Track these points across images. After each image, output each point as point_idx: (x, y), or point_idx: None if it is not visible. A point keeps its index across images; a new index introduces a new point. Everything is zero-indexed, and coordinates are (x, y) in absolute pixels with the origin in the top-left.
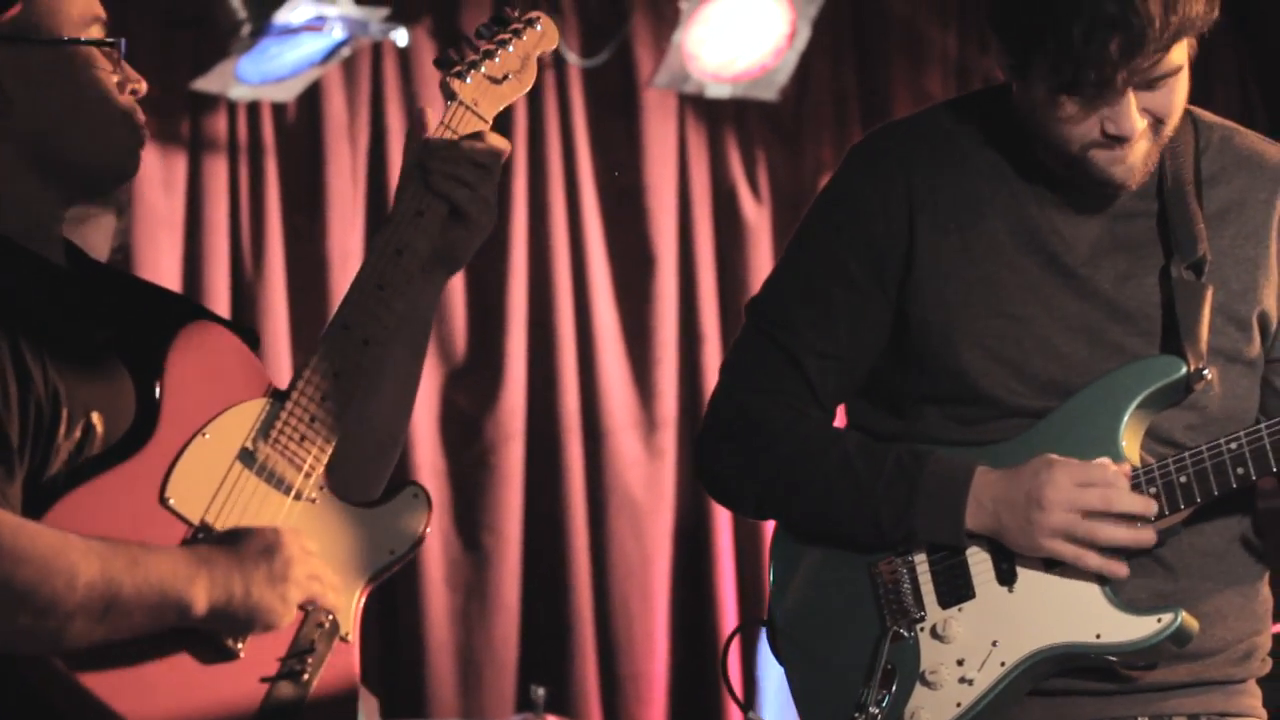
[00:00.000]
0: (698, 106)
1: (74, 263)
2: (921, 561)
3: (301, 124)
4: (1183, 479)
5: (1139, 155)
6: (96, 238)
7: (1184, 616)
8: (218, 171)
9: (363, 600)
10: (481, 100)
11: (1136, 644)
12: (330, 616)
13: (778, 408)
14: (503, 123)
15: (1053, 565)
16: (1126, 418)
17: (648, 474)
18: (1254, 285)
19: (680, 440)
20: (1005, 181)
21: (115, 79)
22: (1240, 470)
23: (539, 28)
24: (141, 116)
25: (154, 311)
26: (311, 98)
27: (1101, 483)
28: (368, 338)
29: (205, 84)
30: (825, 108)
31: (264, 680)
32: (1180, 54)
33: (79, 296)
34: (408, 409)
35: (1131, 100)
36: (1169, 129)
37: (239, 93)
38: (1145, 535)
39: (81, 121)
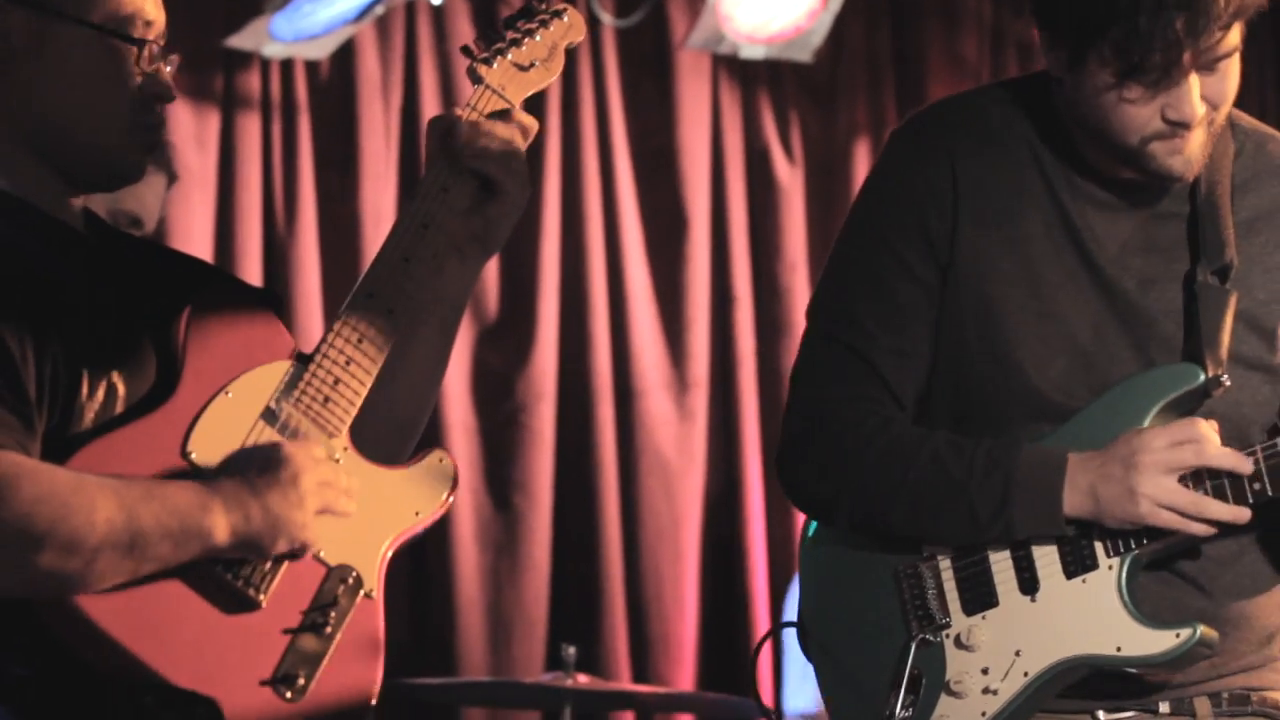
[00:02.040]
0: (732, 68)
1: (93, 230)
2: (946, 567)
3: (335, 82)
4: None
5: (1196, 145)
6: (149, 198)
7: (1202, 630)
8: (251, 129)
9: (388, 558)
10: (508, 85)
11: (1155, 658)
12: (354, 573)
13: (858, 413)
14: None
15: (1074, 574)
16: (1147, 423)
17: (679, 435)
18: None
19: (711, 402)
20: (1045, 174)
21: (137, 81)
22: None
23: (566, 19)
24: (159, 121)
25: (175, 275)
26: (345, 56)
27: (1194, 438)
28: (392, 308)
29: (239, 41)
30: (859, 70)
31: (286, 632)
32: (1236, 35)
33: (99, 261)
34: (435, 386)
35: (1195, 83)
36: (1222, 117)
37: (272, 50)
38: (1240, 512)
39: (79, 113)
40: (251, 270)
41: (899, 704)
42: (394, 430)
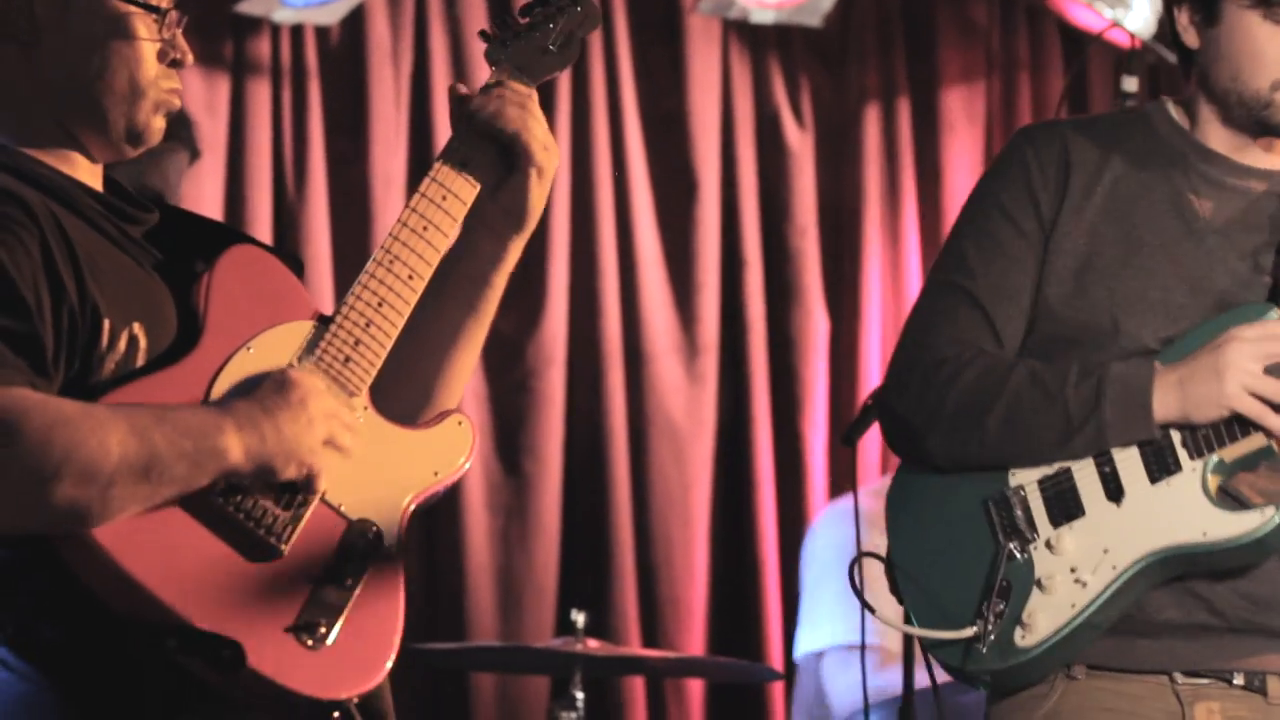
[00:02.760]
0: (741, 32)
1: (112, 190)
2: (1033, 489)
3: (344, 48)
4: None
5: None
6: (170, 173)
7: None
8: (260, 95)
9: (408, 516)
10: (525, 70)
11: (1243, 537)
12: (375, 527)
13: (962, 345)
14: None
15: (1158, 478)
16: None
17: (689, 399)
18: None
19: (721, 366)
20: (1159, 163)
21: (156, 47)
22: None
23: (581, 9)
24: (176, 87)
25: (198, 236)
26: (355, 21)
27: (1277, 336)
28: (412, 273)
29: (248, 7)
30: (870, 34)
31: (308, 581)
32: None
33: (121, 219)
34: (466, 365)
35: None
36: None
37: (282, 16)
38: None
39: (101, 82)
40: (262, 235)
41: (991, 605)
42: (422, 401)
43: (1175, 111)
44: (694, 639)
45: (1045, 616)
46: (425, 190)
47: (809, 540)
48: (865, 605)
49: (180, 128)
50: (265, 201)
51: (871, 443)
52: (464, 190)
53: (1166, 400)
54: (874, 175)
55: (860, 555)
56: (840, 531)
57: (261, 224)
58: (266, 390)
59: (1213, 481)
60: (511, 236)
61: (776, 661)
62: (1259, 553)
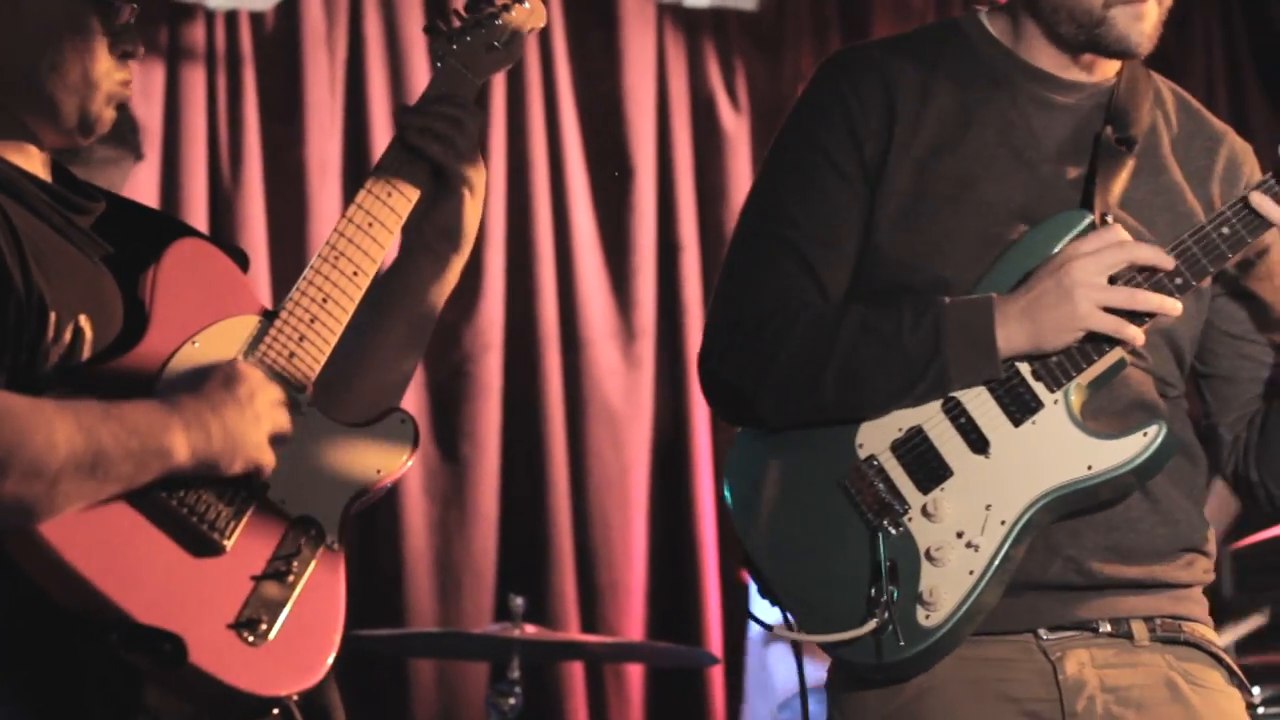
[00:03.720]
0: (676, 15)
1: (63, 182)
2: (888, 457)
3: (279, 33)
4: (1194, 249)
5: (1153, 19)
6: (118, 179)
7: (1167, 427)
8: (195, 81)
9: (350, 513)
10: (472, 66)
11: (1129, 463)
12: (316, 525)
13: (782, 300)
14: None
15: (1021, 420)
16: None
17: (626, 384)
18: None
19: (658, 350)
20: (983, 86)
21: (107, 39)
22: (1226, 230)
23: (528, 5)
24: (128, 78)
25: (145, 228)
26: (289, 7)
27: (1113, 241)
28: (357, 269)
29: None
30: (804, 17)
31: (251, 578)
32: None
33: (67, 209)
34: (408, 378)
35: None
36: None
37: (217, 2)
38: (1171, 303)
39: (51, 71)
40: (197, 222)
41: (883, 592)
42: (365, 409)
43: (991, 24)
44: (633, 623)
45: (946, 590)
46: (370, 187)
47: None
48: (753, 617)
49: (128, 132)
50: (201, 188)
51: None
52: (408, 188)
53: (1012, 332)
54: None
55: (746, 560)
56: None
57: (197, 210)
58: (214, 385)
59: (1077, 405)
60: (450, 256)
61: (716, 646)
62: (1144, 475)
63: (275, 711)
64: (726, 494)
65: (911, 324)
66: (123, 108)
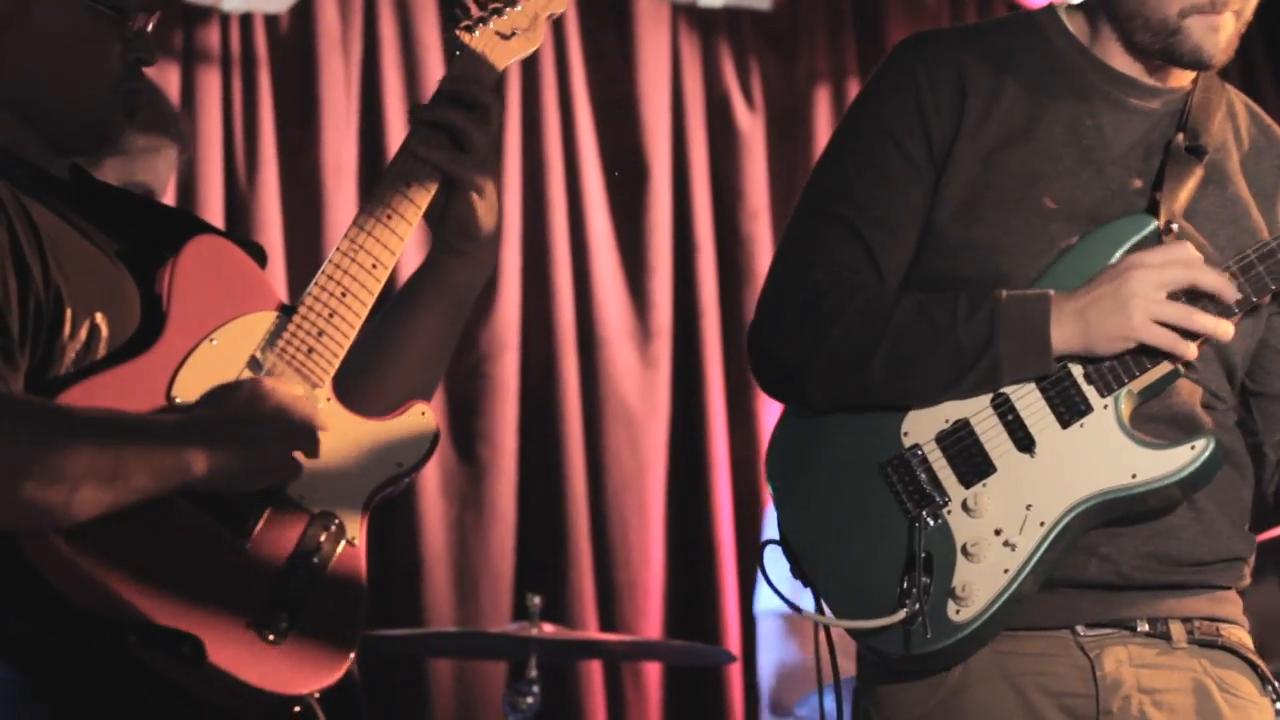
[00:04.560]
0: (690, 15)
1: (77, 179)
2: (932, 448)
3: (294, 35)
4: (1259, 265)
5: (1229, 30)
6: (162, 168)
7: (1215, 442)
8: (211, 84)
9: (370, 508)
10: (490, 53)
11: (1174, 475)
12: (337, 520)
13: (841, 279)
14: None
15: (1070, 422)
16: None
17: (643, 384)
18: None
19: (674, 349)
20: (1057, 83)
21: (120, 46)
22: None
23: None
24: (139, 86)
25: (162, 225)
26: (304, 9)
27: (1182, 261)
28: (376, 262)
29: None
30: (819, 16)
31: (269, 576)
32: None
33: (85, 208)
34: (438, 369)
35: None
36: (1249, 11)
37: (232, 4)
38: (1225, 328)
39: (62, 80)
40: (213, 223)
41: (917, 584)
42: (388, 400)
43: (1069, 21)
44: (650, 622)
45: (980, 586)
46: (388, 179)
47: (765, 526)
48: (787, 602)
49: (169, 122)
50: (217, 190)
51: None
52: (426, 180)
53: (1066, 332)
54: None
55: (764, 543)
56: None
57: (213, 213)
58: (240, 402)
59: (1127, 412)
60: (474, 253)
61: (734, 644)
62: (1190, 488)
63: (297, 710)
64: (767, 469)
65: (967, 314)
66: (162, 97)
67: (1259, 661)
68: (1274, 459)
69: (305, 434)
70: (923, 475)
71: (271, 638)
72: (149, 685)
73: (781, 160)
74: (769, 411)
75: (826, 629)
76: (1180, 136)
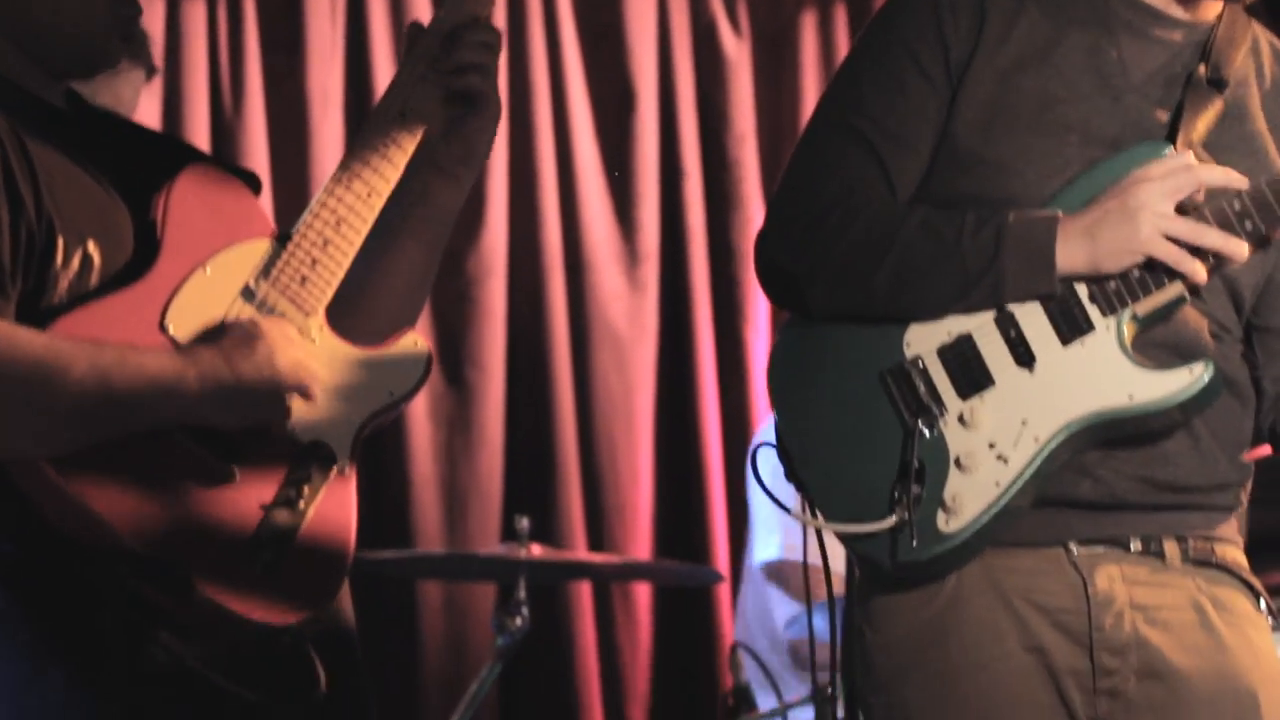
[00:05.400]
0: None
1: (74, 107)
2: (933, 360)
3: None
4: (1271, 198)
5: None
6: (126, 92)
7: (1214, 368)
8: (196, 11)
9: (361, 437)
10: None
11: (1171, 398)
12: (327, 449)
13: (851, 190)
14: None
15: (1071, 340)
16: None
17: (630, 307)
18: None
19: (662, 274)
20: (1080, 7)
21: None
22: None
23: None
24: (134, 12)
25: (156, 153)
26: None
27: (1183, 165)
28: (371, 190)
29: None
30: None
31: (260, 506)
32: None
33: (79, 134)
34: (420, 294)
35: None
36: None
37: None
38: (1236, 244)
39: (56, 7)
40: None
41: (907, 491)
42: (381, 331)
43: None
44: (639, 543)
45: (970, 498)
46: (385, 105)
47: (759, 436)
48: (772, 498)
49: (134, 45)
50: (203, 120)
51: None
52: (424, 107)
53: (1072, 250)
54: (811, 82)
55: (758, 445)
56: None
57: (199, 142)
58: (234, 341)
59: (1128, 335)
60: (464, 175)
61: (722, 564)
62: (1186, 413)
63: (286, 639)
64: (768, 373)
65: (973, 230)
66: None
67: (1254, 580)
68: (1272, 393)
69: (300, 376)
70: (921, 386)
71: (261, 568)
72: (140, 612)
73: (768, 86)
74: (756, 335)
75: (818, 534)
76: (1202, 68)
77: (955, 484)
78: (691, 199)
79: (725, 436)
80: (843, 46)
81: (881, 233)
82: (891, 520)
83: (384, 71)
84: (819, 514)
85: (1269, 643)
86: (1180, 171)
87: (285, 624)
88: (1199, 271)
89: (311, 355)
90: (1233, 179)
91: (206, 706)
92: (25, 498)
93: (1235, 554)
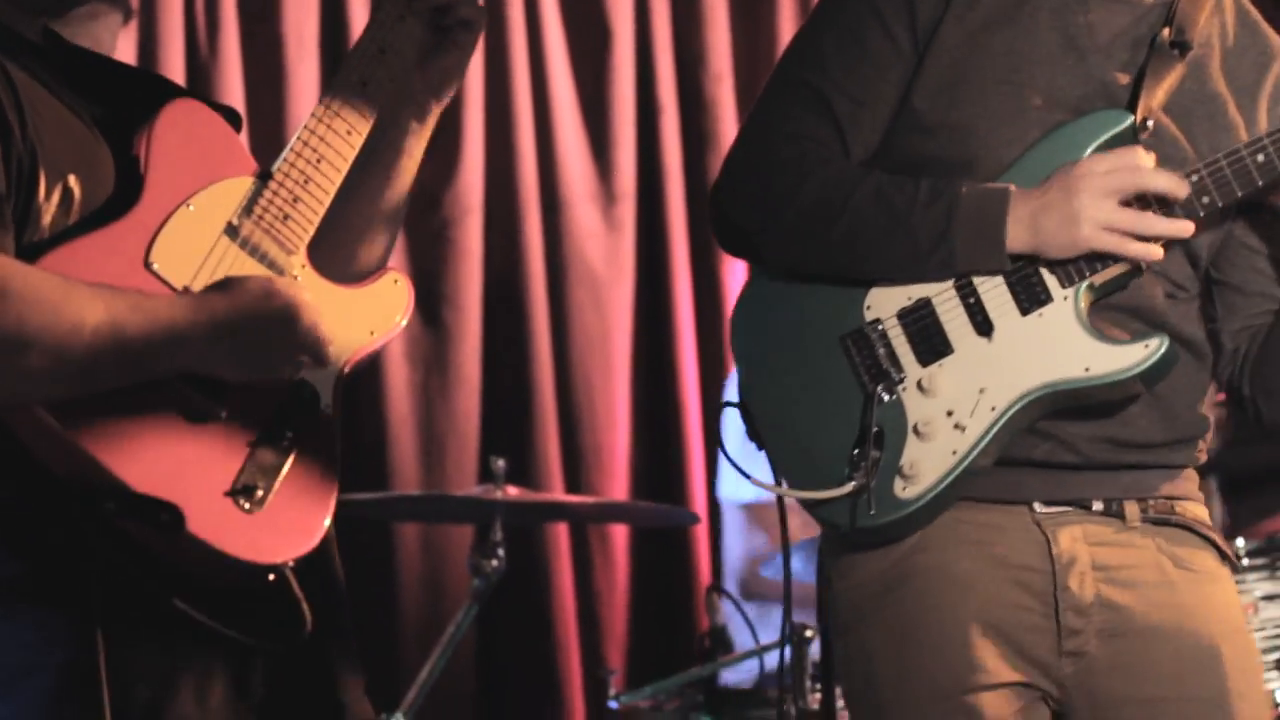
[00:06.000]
0: None
1: (51, 43)
2: (893, 324)
3: None
4: (1226, 170)
5: None
6: (103, 36)
7: (1169, 342)
8: None
9: (343, 376)
10: None
11: (1126, 371)
12: (311, 388)
13: (801, 149)
14: None
15: (1029, 310)
16: None
17: (607, 246)
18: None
19: (639, 212)
20: None
21: None
22: (1261, 158)
23: None
24: None
25: (138, 89)
26: None
27: (1130, 165)
28: (351, 128)
29: None
30: None
31: (247, 444)
32: None
33: (59, 69)
34: (393, 234)
35: None
36: None
37: None
38: (1182, 225)
39: None
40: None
41: (866, 457)
42: (350, 268)
43: None
44: (616, 484)
45: (927, 466)
46: (365, 42)
47: (727, 388)
48: (736, 468)
49: None
50: (178, 60)
51: None
52: (403, 42)
53: (1019, 233)
54: (788, 21)
55: (723, 404)
56: None
57: (174, 82)
58: (252, 296)
59: (1085, 305)
60: (434, 105)
61: (699, 505)
62: (1141, 385)
63: (271, 578)
64: (731, 330)
65: (925, 202)
66: None
67: (1215, 535)
68: (1230, 347)
69: (316, 341)
70: (881, 350)
71: (248, 506)
72: (126, 552)
73: (745, 24)
74: (733, 275)
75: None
76: (1166, 31)
77: (913, 451)
78: (668, 138)
79: (702, 377)
80: None
81: (833, 197)
82: (850, 486)
83: (359, 14)
84: (780, 478)
85: (1232, 595)
86: (1126, 171)
87: (271, 563)
88: (1149, 252)
89: (325, 319)
90: (1176, 189)
91: (193, 647)
92: (14, 437)
93: (1196, 509)
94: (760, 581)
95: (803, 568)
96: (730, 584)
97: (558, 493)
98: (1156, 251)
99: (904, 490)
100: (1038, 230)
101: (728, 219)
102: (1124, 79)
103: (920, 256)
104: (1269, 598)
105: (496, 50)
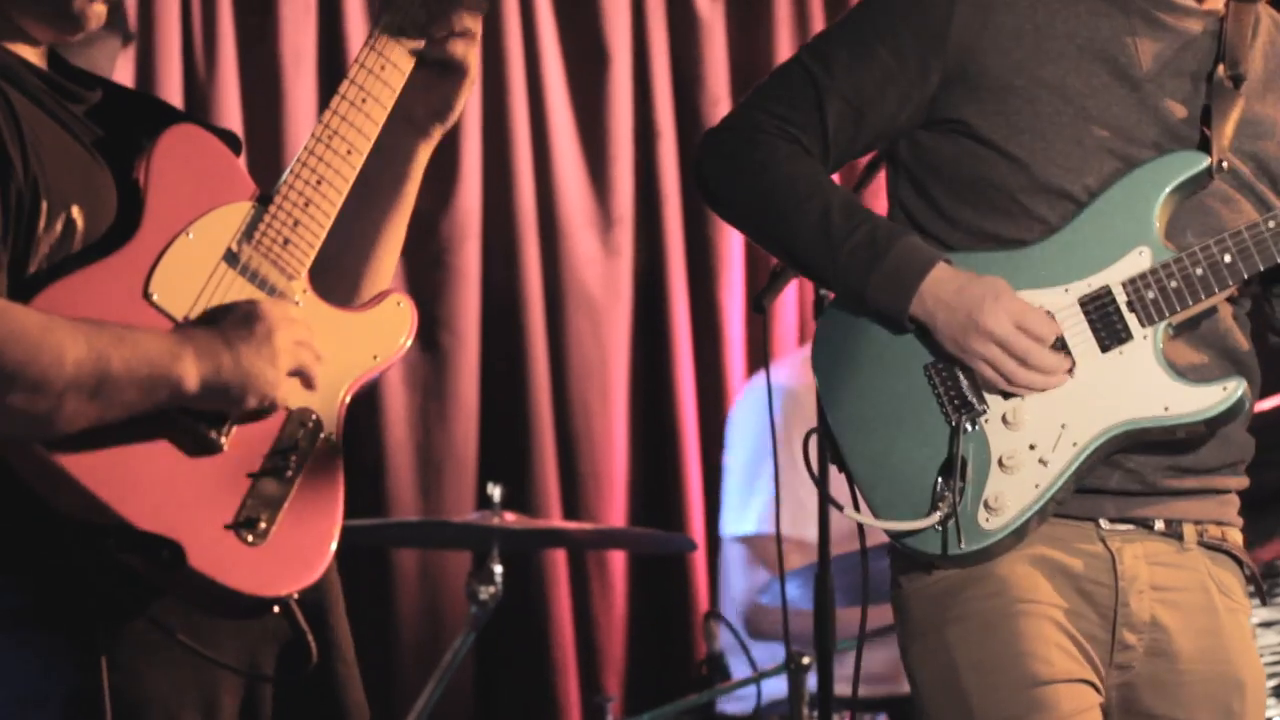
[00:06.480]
0: None
1: (56, 68)
2: None
3: None
4: (1199, 271)
5: None
6: (103, 60)
7: (1244, 385)
8: None
9: (347, 402)
10: None
11: (1204, 412)
12: (314, 416)
13: (782, 136)
14: None
15: (1109, 347)
16: (1157, 209)
17: (605, 271)
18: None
19: (636, 237)
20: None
21: None
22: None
23: None
24: None
25: (139, 115)
26: None
27: (1034, 335)
28: (351, 148)
29: None
30: None
31: (248, 475)
32: None
33: (59, 96)
34: (393, 259)
35: None
36: None
37: None
38: (1056, 381)
39: None
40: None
41: (952, 487)
42: (351, 293)
43: None
44: (614, 510)
45: (1011, 498)
46: (363, 61)
47: (734, 418)
48: (824, 491)
49: (112, 11)
50: (176, 82)
51: (786, 308)
52: (402, 61)
53: (922, 309)
54: (785, 43)
55: (808, 432)
56: (764, 414)
57: (172, 104)
58: (233, 321)
59: (1163, 343)
60: (436, 130)
61: (697, 532)
62: (1215, 425)
63: (276, 610)
64: (813, 359)
65: (856, 246)
66: None
67: (1249, 562)
68: None
69: (302, 359)
70: (965, 381)
71: (250, 539)
72: (129, 586)
73: (742, 47)
74: (731, 299)
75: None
76: (1221, 68)
77: (997, 483)
78: (666, 162)
79: (700, 402)
80: (816, 6)
81: (786, 201)
82: (936, 517)
83: (357, 32)
84: (862, 501)
85: (1246, 628)
86: (1027, 340)
87: (275, 596)
88: (1029, 381)
89: (313, 334)
90: (1059, 369)
91: (196, 681)
92: (14, 473)
93: (1236, 536)
94: (764, 621)
95: (800, 594)
96: (734, 622)
97: (555, 519)
98: (1040, 380)
99: (988, 521)
100: (935, 321)
101: (699, 168)
102: (1179, 110)
103: (839, 287)
104: (1266, 624)
105: (494, 75)
